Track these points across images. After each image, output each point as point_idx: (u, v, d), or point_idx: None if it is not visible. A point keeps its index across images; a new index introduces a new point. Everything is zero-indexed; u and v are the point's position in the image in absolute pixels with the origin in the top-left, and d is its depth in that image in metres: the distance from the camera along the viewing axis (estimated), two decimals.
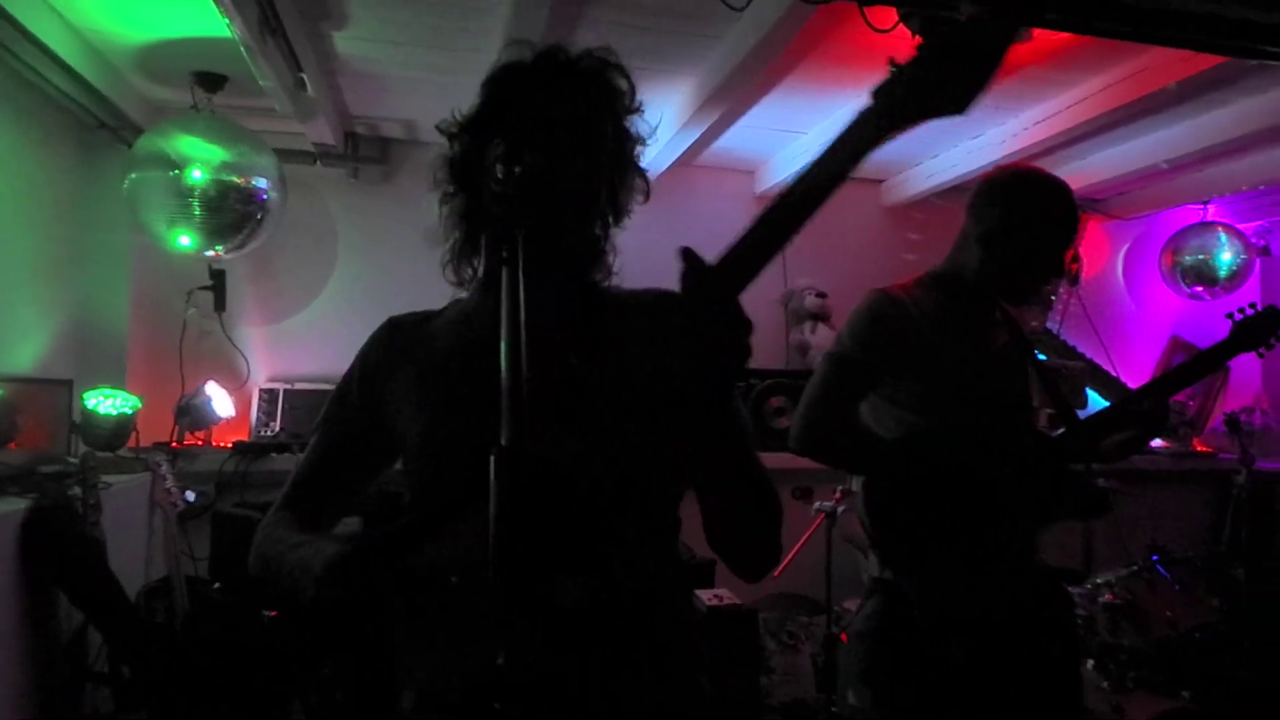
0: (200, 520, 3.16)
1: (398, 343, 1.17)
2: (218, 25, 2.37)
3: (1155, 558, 2.53)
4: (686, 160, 3.64)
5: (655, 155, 3.54)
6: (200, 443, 3.42)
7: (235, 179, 2.93)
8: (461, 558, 0.88)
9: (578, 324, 1.07)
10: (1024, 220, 1.81)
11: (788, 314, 4.14)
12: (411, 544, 0.86)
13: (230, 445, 3.38)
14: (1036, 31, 2.33)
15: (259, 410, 3.46)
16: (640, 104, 1.11)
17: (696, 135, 3.26)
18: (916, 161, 4.01)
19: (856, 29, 2.19)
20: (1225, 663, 2.47)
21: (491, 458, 0.60)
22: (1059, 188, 1.85)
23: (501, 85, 1.06)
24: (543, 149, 0.93)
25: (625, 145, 1.11)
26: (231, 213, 2.94)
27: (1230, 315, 2.01)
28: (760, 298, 4.65)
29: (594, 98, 1.06)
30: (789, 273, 4.16)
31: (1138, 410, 1.93)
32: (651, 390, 0.82)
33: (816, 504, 2.79)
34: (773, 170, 3.98)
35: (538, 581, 0.71)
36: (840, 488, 2.68)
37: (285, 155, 3.29)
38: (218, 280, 3.41)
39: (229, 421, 3.41)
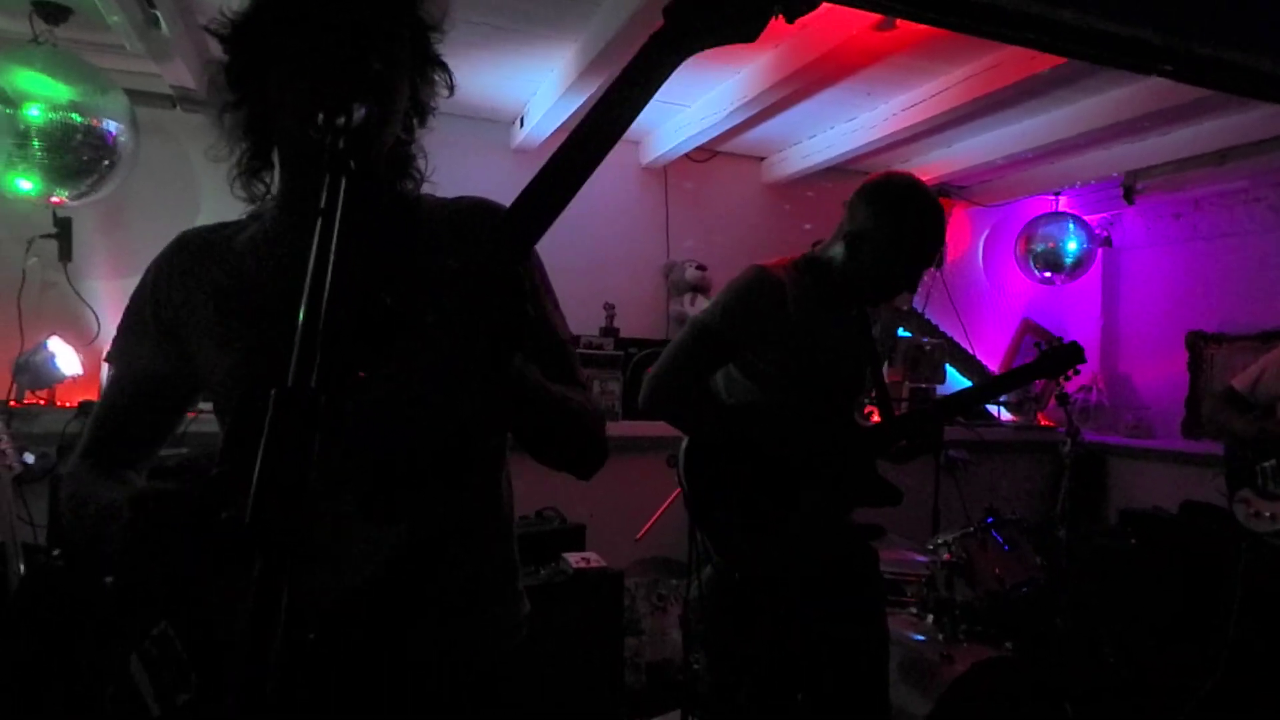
0: (40, 484, 2.97)
1: (191, 264, 1.08)
2: None
3: (990, 520, 2.74)
4: (570, 127, 3.61)
5: (537, 122, 3.51)
6: (42, 402, 3.19)
7: (80, 118, 2.73)
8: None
9: (390, 250, 1.01)
10: (887, 233, 1.87)
11: (668, 285, 4.21)
12: (224, 496, 0.84)
13: (75, 405, 3.18)
14: (900, 21, 2.43)
15: (108, 368, 3.26)
16: None
17: (580, 101, 3.24)
18: (795, 141, 4.13)
19: None
20: (1045, 615, 2.72)
21: (271, 396, 0.59)
22: (932, 213, 1.91)
23: None
24: (365, 89, 0.87)
25: (423, 39, 1.04)
26: (76, 155, 2.74)
27: (1037, 344, 2.26)
28: (642, 268, 4.71)
29: None
30: (671, 244, 4.23)
31: (919, 429, 2.09)
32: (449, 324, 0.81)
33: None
34: (657, 142, 4.01)
35: (325, 537, 0.71)
36: None
37: (140, 97, 3.08)
38: (63, 228, 3.17)
39: (75, 380, 3.20)
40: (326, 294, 0.64)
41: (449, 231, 1.08)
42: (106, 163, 2.85)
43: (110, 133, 2.82)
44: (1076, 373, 2.31)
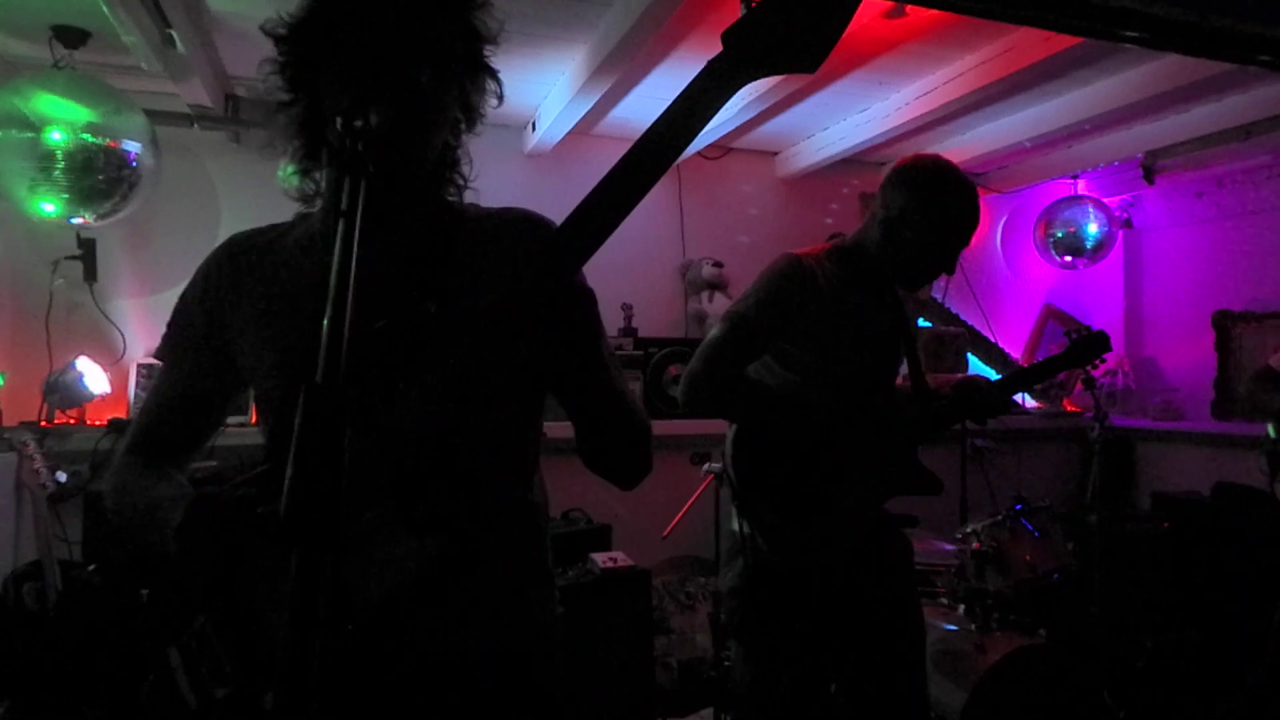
0: (73, 502, 3.02)
1: (240, 267, 1.10)
2: None
3: (1019, 507, 2.71)
4: (583, 129, 3.63)
5: (550, 124, 3.52)
6: (73, 421, 3.24)
7: (101, 141, 2.77)
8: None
9: (431, 257, 1.03)
10: (925, 214, 1.86)
11: (686, 283, 4.21)
12: (269, 491, 0.86)
13: (105, 423, 3.23)
14: (910, 8, 2.42)
15: (137, 386, 3.31)
16: None
17: (591, 103, 3.25)
18: (809, 134, 4.11)
19: None
20: (1077, 601, 2.68)
21: (301, 391, 0.60)
22: (966, 191, 1.90)
23: None
24: (390, 88, 0.88)
25: (474, 45, 1.04)
26: (99, 177, 2.78)
27: (1068, 333, 2.23)
28: (659, 268, 4.72)
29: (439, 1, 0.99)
30: (687, 243, 4.23)
31: (969, 406, 2.05)
32: (506, 336, 0.82)
33: (706, 465, 2.87)
34: None
35: (367, 543, 0.71)
36: None
37: (158, 117, 3.12)
38: (87, 249, 3.22)
39: (104, 398, 3.25)
40: (351, 291, 0.65)
41: (493, 242, 1.09)
42: (128, 183, 2.90)
43: (131, 153, 2.86)
44: (1103, 360, 2.28)
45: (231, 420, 3.39)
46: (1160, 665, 3.16)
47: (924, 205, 1.86)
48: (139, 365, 3.34)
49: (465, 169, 1.11)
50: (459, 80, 1.04)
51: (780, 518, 1.82)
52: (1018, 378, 2.21)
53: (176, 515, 0.95)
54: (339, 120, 0.78)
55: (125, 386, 3.33)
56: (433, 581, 0.93)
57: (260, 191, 3.55)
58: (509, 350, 0.82)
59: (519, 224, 1.11)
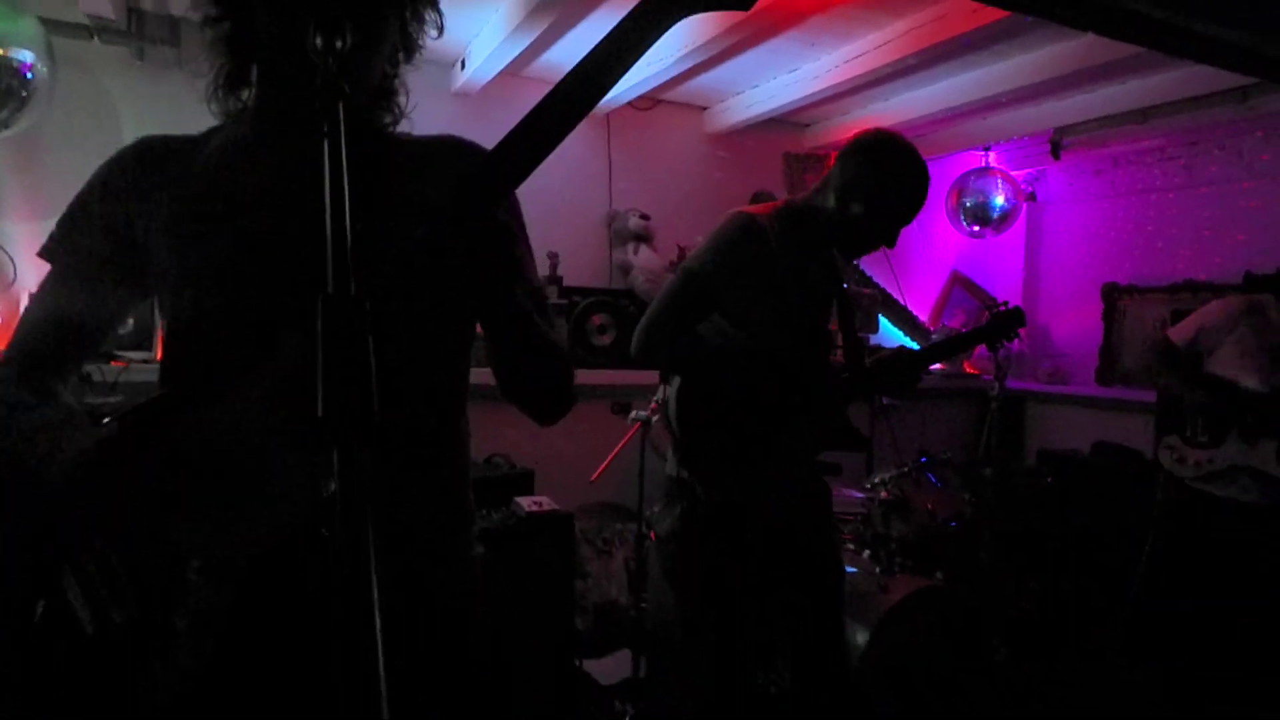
0: None
1: (151, 170, 1.04)
2: None
3: (924, 460, 2.87)
4: (514, 70, 3.55)
5: (481, 63, 3.43)
6: None
7: None
8: (245, 422, 0.87)
9: (363, 182, 1.00)
10: (878, 188, 1.92)
11: (611, 234, 4.21)
12: (177, 416, 0.84)
13: None
14: None
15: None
16: None
17: (525, 44, 3.18)
18: (738, 91, 4.14)
19: None
20: (972, 547, 2.89)
21: (319, 304, 0.60)
22: (920, 169, 1.97)
23: None
24: (357, 13, 0.86)
25: None
26: None
27: (989, 307, 2.38)
28: (585, 217, 4.69)
29: None
30: (614, 194, 4.22)
31: (893, 381, 2.14)
32: (427, 263, 0.82)
33: (633, 413, 2.92)
34: None
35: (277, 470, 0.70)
36: (654, 399, 2.82)
37: (54, 27, 2.89)
38: None
39: None
40: (347, 206, 0.65)
41: (424, 167, 1.07)
42: (19, 96, 2.69)
43: (24, 64, 2.65)
44: (1016, 335, 2.43)
45: (135, 355, 3.26)
46: (1041, 605, 3.44)
47: (882, 181, 1.92)
48: (30, 294, 3.13)
49: (402, 100, 1.11)
50: (401, 7, 1.02)
51: (721, 465, 1.89)
52: (937, 349, 2.34)
53: (70, 449, 0.90)
54: (318, 40, 0.76)
55: (15, 314, 3.12)
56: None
57: (164, 111, 3.35)
58: (434, 277, 0.82)
59: (449, 149, 1.11)
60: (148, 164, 1.05)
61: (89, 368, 2.83)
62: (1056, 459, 4.35)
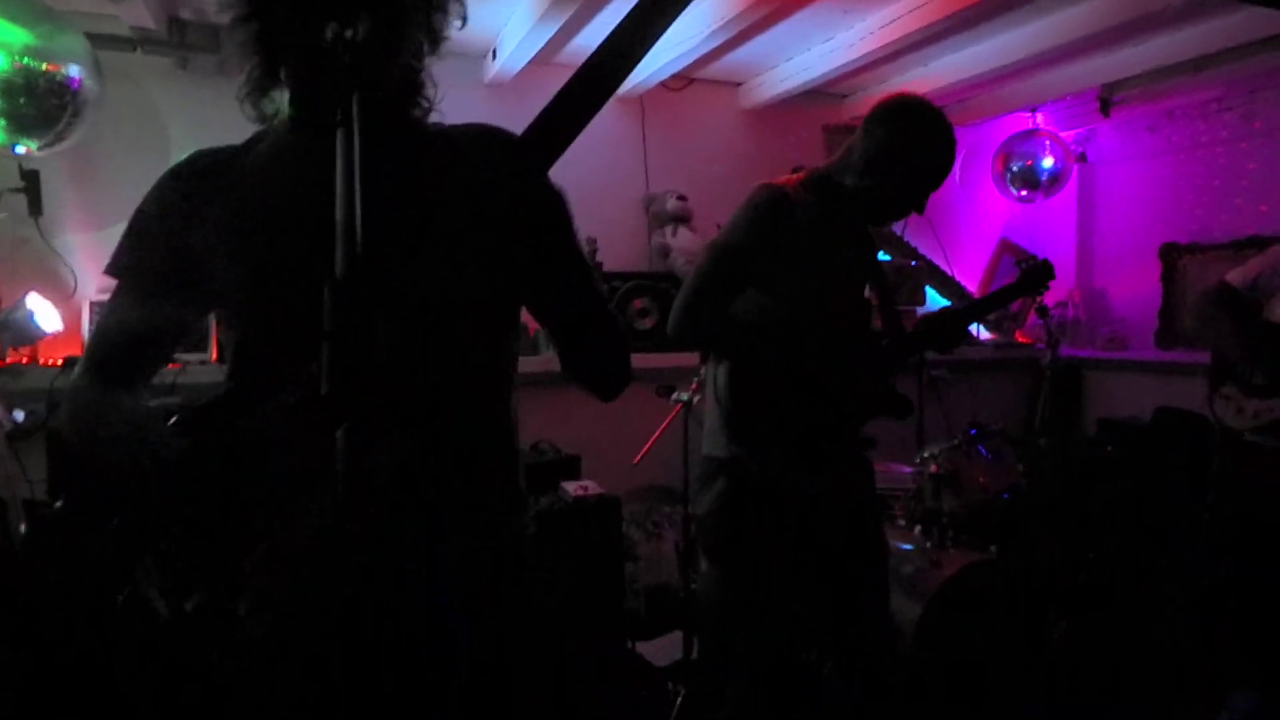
0: (33, 440, 2.96)
1: (201, 185, 1.08)
2: None
3: (973, 431, 2.82)
4: (545, 58, 3.55)
5: (511, 52, 3.44)
6: (25, 360, 3.17)
7: (41, 65, 2.65)
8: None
9: (398, 170, 1.01)
10: (904, 153, 1.88)
11: (650, 217, 4.20)
12: (242, 409, 0.86)
13: (60, 362, 3.16)
14: None
15: (90, 323, 3.23)
16: None
17: (553, 30, 3.18)
18: (773, 64, 4.08)
19: None
20: (1026, 519, 2.83)
21: (325, 291, 0.61)
22: (948, 135, 1.92)
23: None
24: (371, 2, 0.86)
25: None
26: (40, 103, 2.66)
27: (1019, 263, 2.30)
28: (622, 201, 4.69)
29: None
30: (650, 176, 4.20)
31: (938, 336, 2.12)
32: (474, 239, 0.83)
33: (674, 395, 2.92)
34: (635, 71, 3.95)
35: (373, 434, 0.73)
36: (696, 379, 2.81)
37: (99, 40, 2.98)
38: (31, 181, 3.09)
39: (56, 336, 3.16)
40: (359, 193, 0.66)
41: (457, 155, 1.08)
42: (71, 110, 2.78)
43: (73, 78, 2.74)
44: (1047, 288, 2.37)
45: (191, 357, 3.37)
46: (1100, 576, 3.36)
47: (908, 146, 1.88)
48: (91, 302, 3.25)
49: (430, 92, 1.11)
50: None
51: (775, 441, 1.89)
52: (973, 308, 2.29)
53: (170, 427, 0.92)
54: (329, 31, 0.77)
55: (78, 324, 3.25)
56: (403, 486, 0.94)
57: (209, 118, 3.43)
58: (483, 257, 0.83)
59: (482, 136, 1.11)
60: (198, 179, 1.08)
61: (167, 361, 2.94)
62: (1117, 428, 4.22)
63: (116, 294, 1.13)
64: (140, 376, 1.15)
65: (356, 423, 0.57)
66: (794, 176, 1.98)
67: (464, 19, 1.10)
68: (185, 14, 3.27)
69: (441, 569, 1.01)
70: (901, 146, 1.88)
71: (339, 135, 0.70)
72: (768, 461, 1.89)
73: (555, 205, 1.02)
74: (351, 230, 0.64)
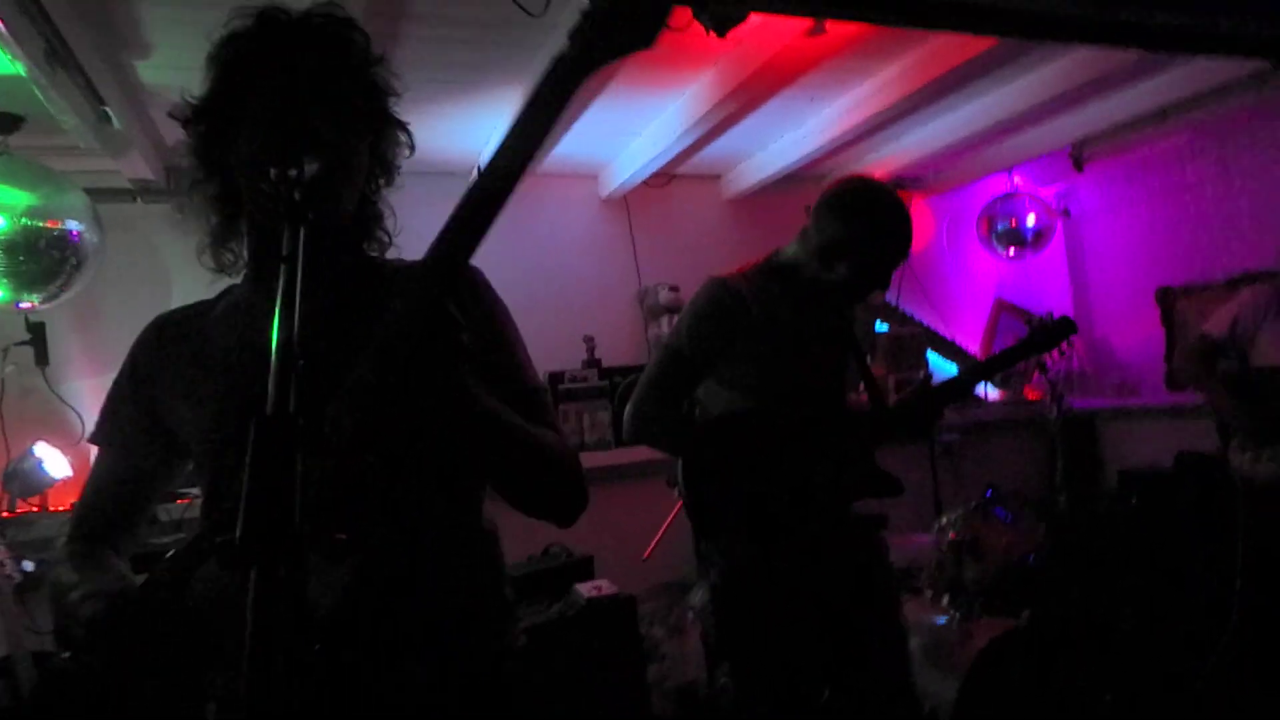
0: (43, 592, 2.94)
1: (167, 342, 1.13)
2: (2, 63, 2.23)
3: (989, 494, 2.76)
4: (530, 170, 3.67)
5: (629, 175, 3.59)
6: (35, 508, 3.18)
7: (42, 223, 2.76)
8: None
9: (344, 306, 1.03)
10: (860, 239, 1.88)
11: (644, 311, 4.25)
12: (193, 568, 0.87)
13: (70, 508, 3.16)
14: (830, 24, 2.51)
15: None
16: (381, 55, 1.07)
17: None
18: (749, 155, 4.21)
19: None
20: (1056, 581, 2.73)
21: (251, 425, 0.62)
22: (897, 207, 1.92)
23: (233, 61, 1.01)
24: (315, 144, 0.90)
25: (380, 101, 1.07)
26: (42, 259, 2.77)
27: (1029, 321, 2.26)
28: (616, 298, 4.75)
29: (336, 59, 1.01)
30: (641, 271, 4.28)
31: (914, 414, 2.06)
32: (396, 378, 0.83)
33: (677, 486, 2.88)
34: (614, 173, 4.08)
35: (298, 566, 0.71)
36: None
37: (100, 194, 3.11)
38: (36, 333, 3.19)
39: (65, 483, 3.19)
40: (296, 326, 0.68)
41: (392, 287, 1.09)
42: (73, 262, 2.88)
43: (74, 232, 2.85)
44: (1070, 345, 2.30)
45: (194, 493, 3.37)
46: (1141, 634, 3.22)
47: (857, 230, 1.87)
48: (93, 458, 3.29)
49: (390, 224, 1.14)
50: (368, 133, 1.07)
51: (740, 535, 1.85)
52: (981, 368, 2.24)
53: (85, 611, 0.96)
54: (272, 172, 0.81)
55: (86, 469, 3.27)
56: (354, 609, 0.92)
57: (209, 260, 3.55)
58: (399, 399, 0.84)
59: (413, 269, 1.13)
60: (163, 341, 1.14)
61: (154, 508, 2.95)
62: (1138, 478, 4.13)
63: (97, 458, 1.19)
64: (125, 530, 1.18)
65: (270, 562, 0.57)
66: (747, 264, 1.99)
67: (411, 147, 1.13)
68: (181, 161, 3.41)
69: (399, 701, 0.98)
70: (853, 234, 1.87)
71: (281, 269, 0.72)
72: (739, 553, 1.85)
73: (452, 331, 1.00)
74: (286, 364, 0.65)
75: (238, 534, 0.58)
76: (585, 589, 2.69)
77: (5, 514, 3.07)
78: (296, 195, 0.80)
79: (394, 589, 0.97)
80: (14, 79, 2.38)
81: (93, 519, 1.16)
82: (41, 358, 3.21)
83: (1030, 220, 4.66)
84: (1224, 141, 4.25)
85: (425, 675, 1.01)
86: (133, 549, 1.21)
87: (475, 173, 3.83)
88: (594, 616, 2.60)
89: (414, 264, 1.13)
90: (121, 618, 0.92)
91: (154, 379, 1.12)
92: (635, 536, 3.28)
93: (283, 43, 1.00)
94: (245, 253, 1.11)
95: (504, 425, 0.99)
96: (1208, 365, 2.92)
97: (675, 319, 4.11)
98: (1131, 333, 4.83)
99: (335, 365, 0.85)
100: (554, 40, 2.71)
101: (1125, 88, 3.63)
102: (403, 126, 1.11)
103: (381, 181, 1.12)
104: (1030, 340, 2.22)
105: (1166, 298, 4.60)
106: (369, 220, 1.12)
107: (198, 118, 1.05)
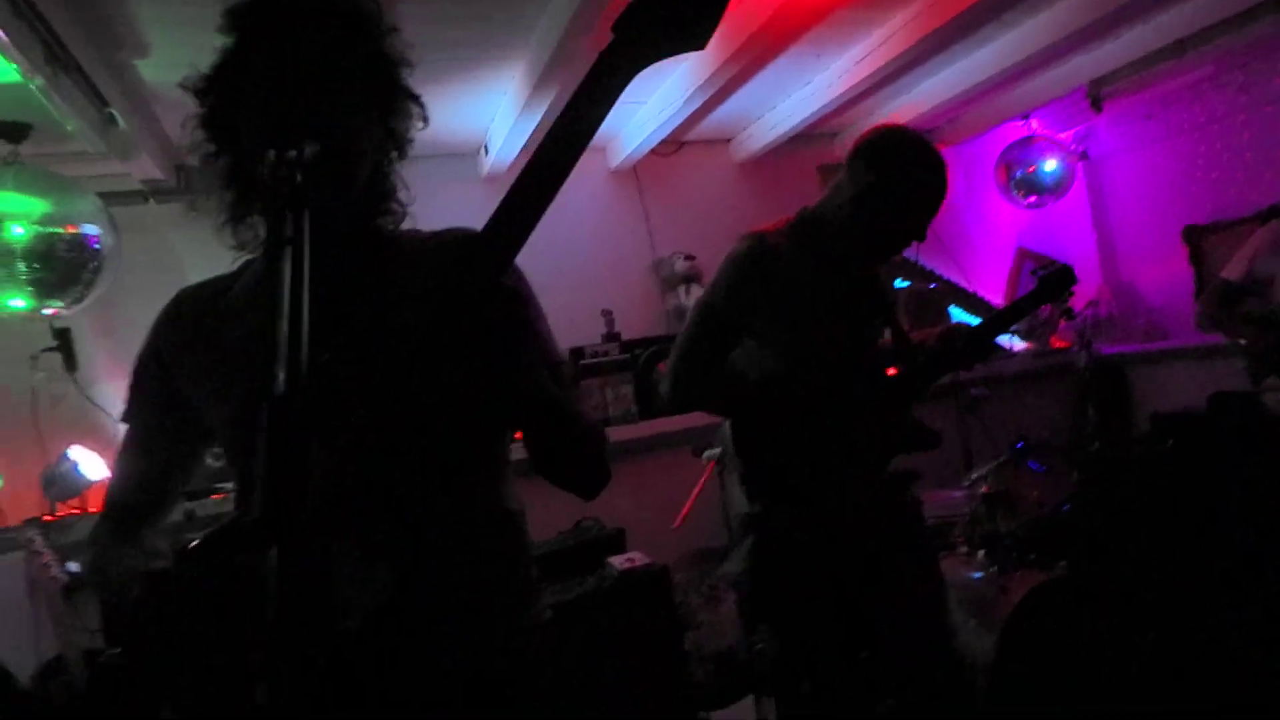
0: (89, 591, 3.01)
1: (188, 321, 1.12)
2: (5, 71, 2.24)
3: (1020, 446, 2.73)
4: (533, 145, 3.65)
5: (502, 145, 3.54)
6: (76, 511, 3.24)
7: (59, 229, 2.78)
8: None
9: (365, 284, 1.03)
10: (893, 188, 1.81)
11: (661, 281, 4.23)
12: (240, 545, 0.87)
13: None
14: None
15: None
16: (393, 24, 1.05)
17: (538, 118, 3.27)
18: (758, 115, 4.15)
19: None
20: (1091, 529, 2.71)
21: (264, 408, 0.62)
22: (935, 163, 1.86)
23: (236, 34, 1.00)
24: (315, 125, 0.89)
25: (392, 72, 1.05)
26: (62, 266, 2.79)
27: (1034, 272, 2.22)
28: (632, 270, 4.73)
29: (341, 32, 0.99)
30: (655, 241, 4.25)
31: (953, 355, 2.03)
32: (435, 352, 0.83)
33: (706, 453, 2.89)
34: (622, 143, 4.04)
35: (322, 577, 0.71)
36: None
37: (113, 197, 3.13)
38: (63, 339, 3.22)
39: (102, 484, 3.24)
40: (305, 308, 0.67)
41: (421, 257, 1.09)
42: (92, 266, 2.91)
43: (91, 236, 2.87)
44: (1071, 294, 2.26)
45: (228, 487, 3.42)
46: (1181, 578, 3.18)
47: (895, 181, 1.81)
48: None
49: (403, 196, 1.12)
50: (377, 106, 1.05)
51: (789, 492, 1.84)
52: (994, 322, 2.20)
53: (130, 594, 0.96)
54: (272, 154, 0.79)
55: None
56: (391, 610, 0.93)
57: (222, 254, 3.56)
58: (445, 364, 0.83)
59: (451, 239, 1.12)
60: (183, 318, 1.13)
61: (190, 505, 2.99)
62: (1172, 420, 4.05)
63: (125, 437, 1.18)
64: (154, 514, 1.18)
65: (290, 544, 0.57)
66: (780, 221, 1.96)
67: (425, 119, 1.11)
68: (190, 160, 3.42)
69: (443, 680, 0.99)
70: (889, 182, 1.82)
71: (287, 252, 0.71)
72: (789, 514, 1.84)
73: (505, 306, 1.00)
74: (295, 346, 0.64)
75: (256, 515, 0.58)
76: (618, 562, 2.70)
77: (46, 518, 3.12)
78: (299, 177, 0.79)
79: (424, 581, 0.98)
80: (19, 87, 2.39)
81: (124, 499, 1.16)
82: (70, 363, 3.24)
83: (1049, 165, 4.56)
84: (1250, 69, 4.11)
85: (448, 660, 1.02)
86: (165, 523, 1.21)
87: (482, 152, 3.81)
88: (629, 589, 2.60)
89: (441, 232, 1.13)
90: (164, 600, 0.91)
91: (177, 359, 1.11)
92: (665, 507, 3.29)
93: (285, 15, 0.98)
94: (262, 229, 1.10)
95: (552, 399, 1.01)
96: (1228, 310, 2.86)
97: (693, 288, 4.10)
98: (1158, 274, 4.73)
99: (351, 340, 0.84)
100: (551, 17, 2.67)
101: (1141, 22, 3.53)
102: (415, 98, 1.09)
103: (394, 154, 1.10)
104: (1039, 290, 2.16)
105: (1193, 236, 4.50)
106: (383, 194, 1.10)
107: (204, 92, 1.04)
